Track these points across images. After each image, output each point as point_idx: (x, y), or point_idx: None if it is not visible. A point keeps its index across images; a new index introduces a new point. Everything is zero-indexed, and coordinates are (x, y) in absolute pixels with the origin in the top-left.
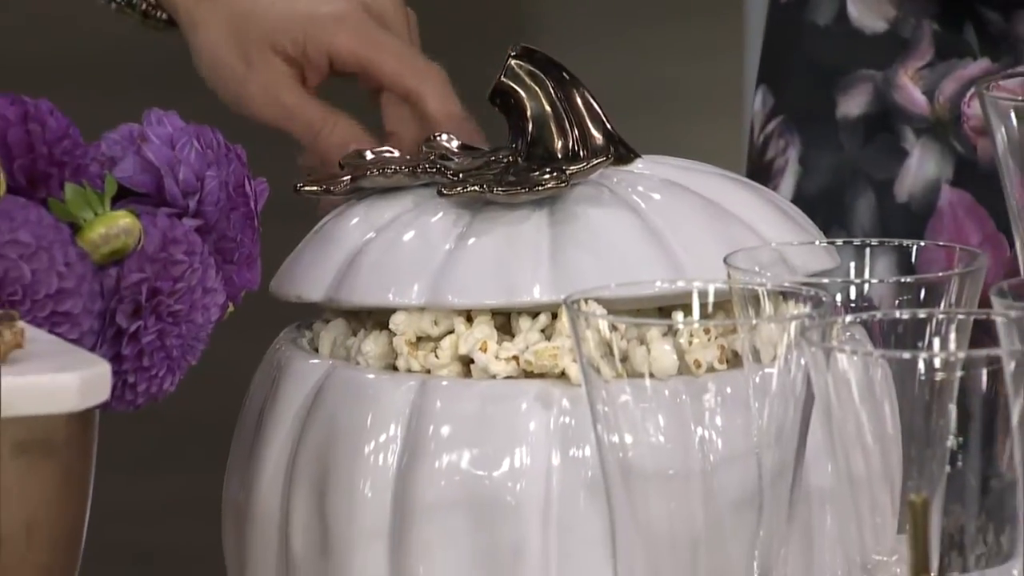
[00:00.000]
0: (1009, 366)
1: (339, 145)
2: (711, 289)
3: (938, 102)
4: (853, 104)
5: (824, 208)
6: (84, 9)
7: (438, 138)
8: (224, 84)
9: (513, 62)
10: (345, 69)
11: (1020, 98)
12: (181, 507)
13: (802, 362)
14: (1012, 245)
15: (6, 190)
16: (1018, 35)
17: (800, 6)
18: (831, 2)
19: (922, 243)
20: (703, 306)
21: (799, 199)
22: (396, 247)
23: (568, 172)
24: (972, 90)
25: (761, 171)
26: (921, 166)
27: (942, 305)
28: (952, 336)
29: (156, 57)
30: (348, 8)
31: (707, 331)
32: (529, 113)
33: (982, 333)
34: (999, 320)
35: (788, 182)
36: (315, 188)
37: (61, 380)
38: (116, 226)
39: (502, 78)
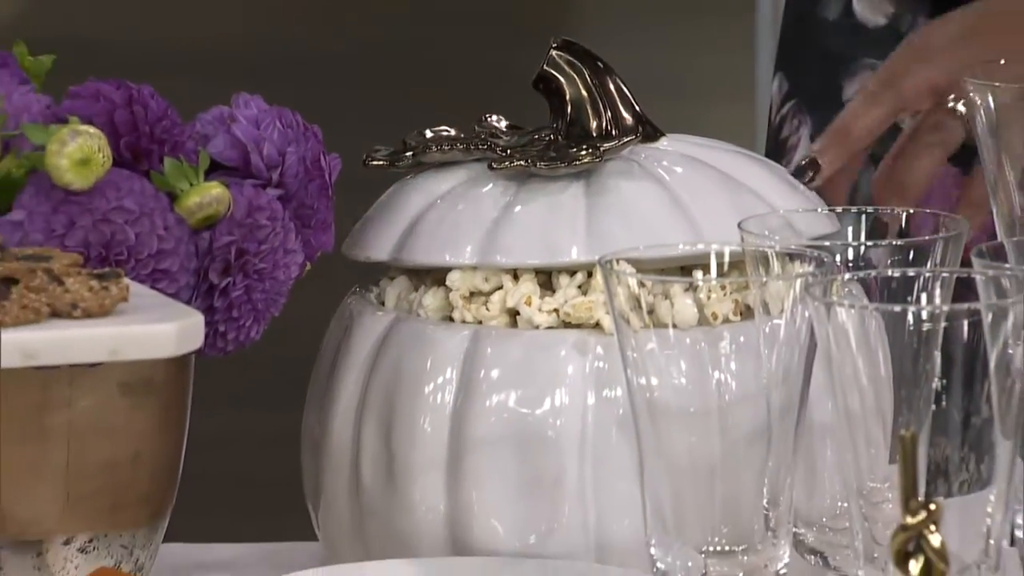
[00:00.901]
0: (987, 318)
1: None
2: (727, 251)
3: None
4: (857, 88)
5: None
6: (183, 6)
7: (488, 119)
8: None
9: (554, 53)
10: None
11: (997, 83)
12: (265, 440)
13: (806, 314)
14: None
15: (113, 164)
16: None
17: (812, 3)
18: (839, 0)
19: (911, 210)
20: (719, 266)
21: None
22: (452, 214)
23: (602, 149)
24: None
25: (778, 147)
26: None
27: (928, 265)
28: (937, 292)
29: (245, 49)
30: None
31: (723, 288)
32: (568, 97)
33: (964, 289)
34: (978, 278)
35: (800, 156)
36: (382, 162)
37: (161, 329)
38: (209, 195)
39: (545, 67)
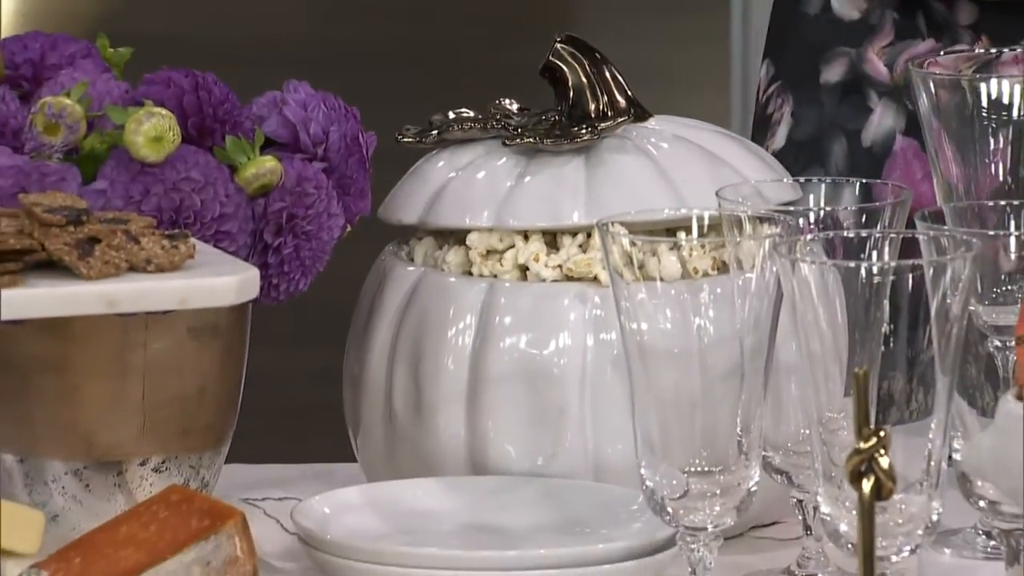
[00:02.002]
0: (928, 272)
1: None
2: (706, 215)
3: (896, 72)
4: (832, 73)
5: (808, 151)
6: (242, 6)
7: (502, 102)
8: None
9: (558, 46)
10: None
11: (937, 71)
12: (312, 376)
13: (774, 269)
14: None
15: (181, 141)
16: (957, 22)
17: (797, 1)
18: None
19: (863, 180)
20: (700, 228)
21: (790, 144)
22: (471, 183)
23: (599, 128)
24: (933, 58)
25: (763, 122)
26: (882, 120)
27: (879, 227)
28: (886, 250)
29: (294, 43)
30: None
31: (703, 246)
32: (570, 83)
33: (909, 247)
34: (921, 238)
35: (783, 131)
36: (411, 139)
37: (223, 282)
38: (263, 167)
39: (550, 58)
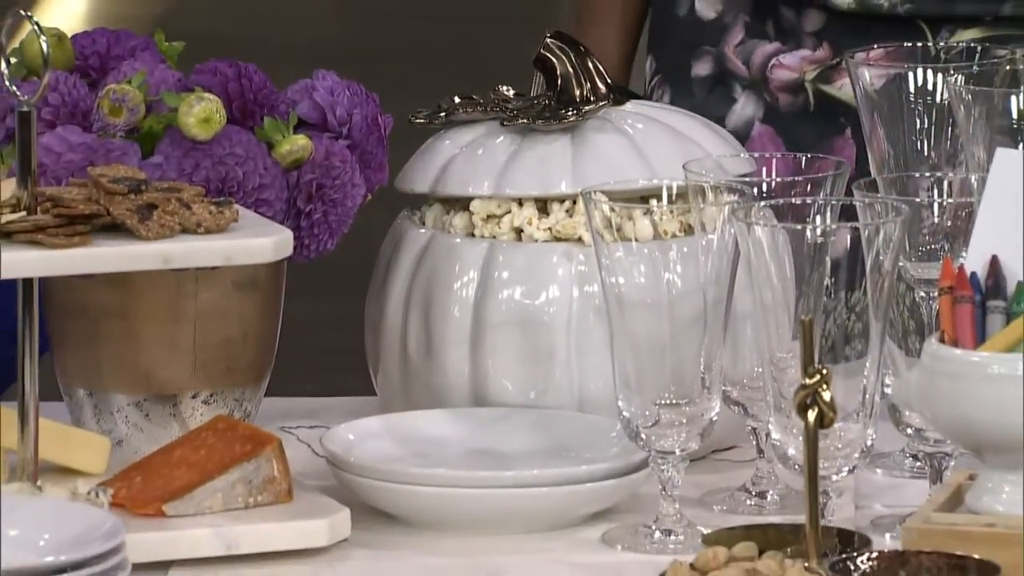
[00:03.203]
0: (864, 233)
1: None
2: (674, 185)
3: (752, 68)
4: (701, 67)
5: None
6: (278, 9)
7: (501, 89)
8: None
9: (548, 40)
10: None
11: (872, 63)
12: (338, 321)
13: (732, 231)
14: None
15: (227, 122)
16: (803, 28)
17: (672, 3)
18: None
19: (809, 155)
20: (669, 196)
21: None
22: (474, 158)
23: (583, 111)
24: (774, 60)
25: None
26: (743, 109)
27: (821, 194)
28: (828, 214)
29: (324, 39)
30: None
31: (672, 212)
32: (559, 72)
33: (847, 212)
34: (858, 204)
35: None
36: (422, 120)
37: (262, 242)
38: (296, 145)
39: (541, 50)
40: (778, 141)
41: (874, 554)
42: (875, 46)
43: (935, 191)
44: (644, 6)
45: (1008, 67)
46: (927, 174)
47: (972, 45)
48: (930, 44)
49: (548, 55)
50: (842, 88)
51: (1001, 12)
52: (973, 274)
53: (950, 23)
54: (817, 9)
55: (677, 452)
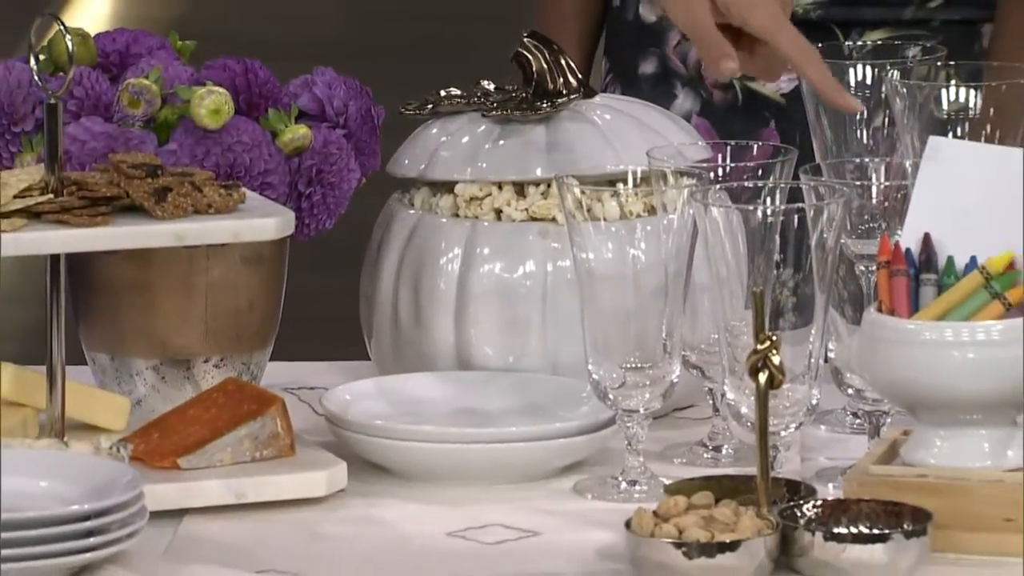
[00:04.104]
0: (810, 213)
1: (721, 73)
2: (639, 170)
3: (688, 67)
4: (647, 66)
5: None
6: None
7: (482, 83)
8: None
9: (525, 39)
10: (752, 32)
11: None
12: (335, 293)
13: (691, 212)
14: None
15: (235, 113)
16: None
17: (621, 9)
18: (632, 3)
19: (760, 143)
20: (634, 179)
21: None
22: (458, 145)
23: (557, 103)
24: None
25: None
26: (683, 104)
27: (771, 178)
28: (777, 196)
29: (323, 39)
30: None
31: (637, 194)
32: (534, 68)
33: (795, 194)
34: (804, 187)
35: None
36: (412, 112)
37: (267, 221)
38: (298, 133)
39: (519, 49)
40: (713, 132)
41: (818, 502)
42: (818, 44)
43: (873, 175)
44: (599, 20)
45: (938, 64)
46: (866, 160)
47: (879, 43)
48: (843, 44)
49: (525, 53)
50: (766, 85)
51: (903, 17)
52: (908, 250)
53: (858, 26)
54: None
55: (641, 411)
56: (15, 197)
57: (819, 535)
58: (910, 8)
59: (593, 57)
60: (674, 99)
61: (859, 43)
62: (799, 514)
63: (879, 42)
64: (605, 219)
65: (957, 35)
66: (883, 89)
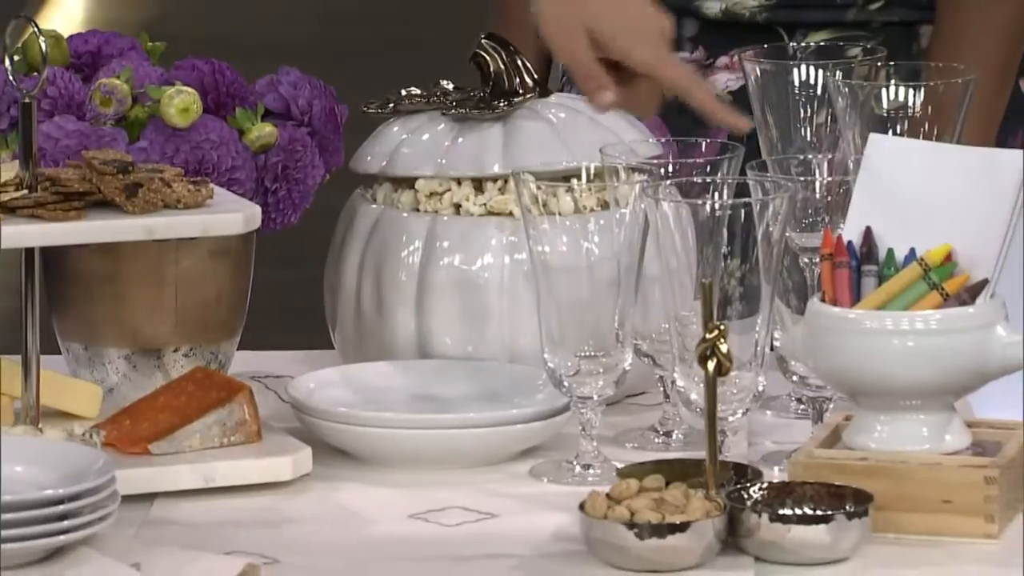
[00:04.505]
0: (756, 207)
1: (598, 104)
2: (592, 166)
3: None
4: None
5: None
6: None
7: (442, 83)
8: (544, 31)
9: (483, 41)
10: (634, 67)
11: (761, 61)
12: (300, 285)
13: (642, 206)
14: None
15: (203, 111)
16: (683, 34)
17: None
18: None
19: (708, 140)
20: (588, 175)
21: None
22: (418, 142)
23: (513, 102)
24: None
25: None
26: None
27: (719, 174)
28: (725, 191)
29: (289, 41)
30: (651, 28)
31: (590, 189)
32: (491, 69)
33: (742, 188)
34: (750, 182)
35: None
36: (373, 110)
37: (234, 216)
38: (264, 131)
39: (477, 50)
40: (665, 129)
41: (765, 484)
42: (749, 48)
43: (817, 171)
44: None
45: (878, 64)
46: (810, 156)
47: (822, 44)
48: (788, 44)
49: (483, 53)
50: (715, 83)
51: (845, 19)
52: (850, 243)
53: (803, 28)
54: (692, 18)
55: (595, 397)
56: None
57: (765, 516)
58: (852, 10)
59: (551, 59)
60: None
61: (803, 44)
62: (746, 496)
63: (822, 43)
64: (560, 213)
65: (896, 36)
66: (826, 88)
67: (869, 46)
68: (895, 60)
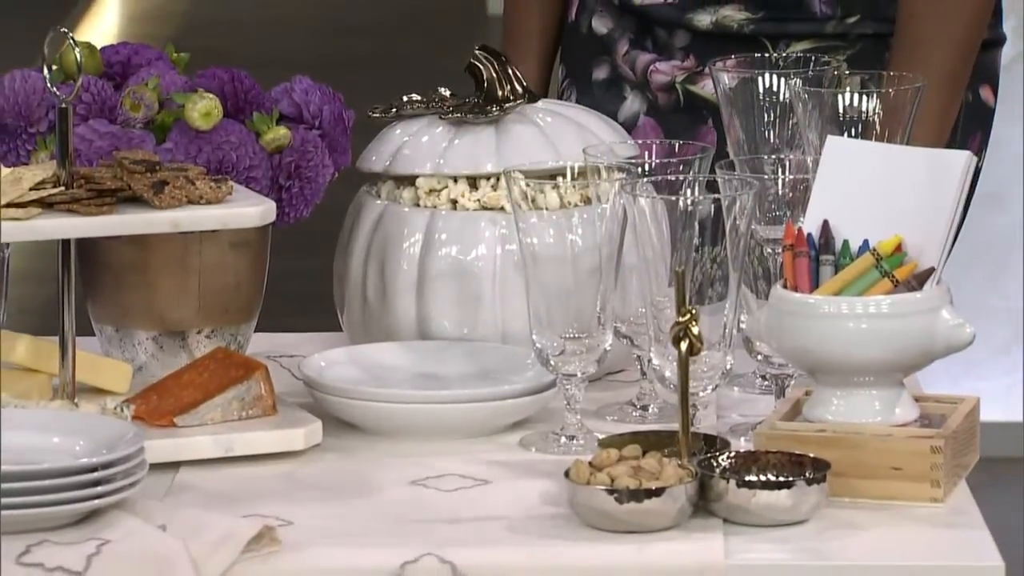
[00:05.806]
0: (724, 203)
1: None
2: (576, 165)
3: (636, 73)
4: (600, 72)
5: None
6: (262, 30)
7: (440, 90)
8: None
9: (478, 52)
10: None
11: (730, 68)
12: (312, 274)
13: (622, 202)
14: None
15: (223, 116)
16: (674, 44)
17: (576, 23)
18: (585, 18)
19: (681, 142)
20: (572, 174)
21: None
22: (418, 144)
23: (505, 107)
24: (652, 66)
25: None
26: (631, 105)
27: (691, 172)
28: (697, 187)
29: (300, 52)
30: None
31: (574, 186)
32: (485, 77)
33: (712, 185)
34: (720, 179)
35: None
36: (378, 115)
37: (251, 210)
38: (279, 134)
39: (472, 60)
40: (658, 130)
41: (732, 453)
42: (732, 56)
43: (779, 169)
44: (557, 37)
45: (835, 72)
46: (772, 156)
47: (805, 55)
48: (771, 54)
49: (477, 64)
50: (704, 88)
51: (824, 31)
52: (809, 235)
53: (786, 38)
54: (684, 30)
55: (579, 375)
56: (31, 189)
57: (733, 482)
58: (831, 23)
59: (552, 68)
60: (623, 101)
61: (784, 53)
62: (715, 464)
63: (802, 53)
64: (547, 208)
65: (870, 46)
66: (786, 93)
67: (844, 57)
68: (870, 67)
